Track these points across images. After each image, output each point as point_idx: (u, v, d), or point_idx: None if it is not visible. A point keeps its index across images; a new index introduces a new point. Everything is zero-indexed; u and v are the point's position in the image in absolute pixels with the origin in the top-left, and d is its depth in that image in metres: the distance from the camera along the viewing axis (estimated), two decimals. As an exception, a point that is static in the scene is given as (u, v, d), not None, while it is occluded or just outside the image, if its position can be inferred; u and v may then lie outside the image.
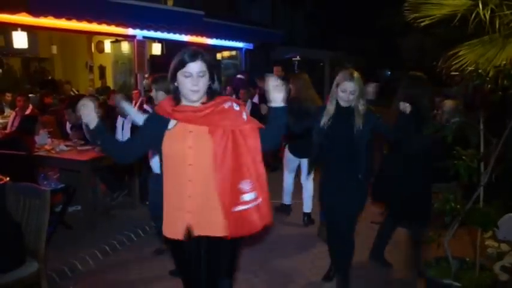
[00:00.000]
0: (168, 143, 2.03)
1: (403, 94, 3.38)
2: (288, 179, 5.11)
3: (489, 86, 2.52)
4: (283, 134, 2.12)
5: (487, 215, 2.54)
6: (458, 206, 2.59)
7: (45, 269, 2.91)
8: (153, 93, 3.65)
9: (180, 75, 1.97)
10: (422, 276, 2.90)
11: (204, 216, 2.04)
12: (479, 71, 2.52)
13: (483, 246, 3.48)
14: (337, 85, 3.00)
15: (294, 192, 5.20)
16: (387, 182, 3.57)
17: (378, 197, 3.80)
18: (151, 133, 2.08)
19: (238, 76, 9.57)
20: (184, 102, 2.04)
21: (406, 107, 3.09)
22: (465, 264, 2.81)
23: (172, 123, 2.05)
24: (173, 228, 2.09)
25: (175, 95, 2.05)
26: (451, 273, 2.69)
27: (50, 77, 11.61)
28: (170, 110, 2.03)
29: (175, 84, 2.01)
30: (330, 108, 3.07)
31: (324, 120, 3.06)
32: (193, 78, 1.95)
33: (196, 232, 2.06)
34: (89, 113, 2.02)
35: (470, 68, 2.95)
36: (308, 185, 4.87)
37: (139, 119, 3.90)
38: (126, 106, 3.76)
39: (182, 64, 1.95)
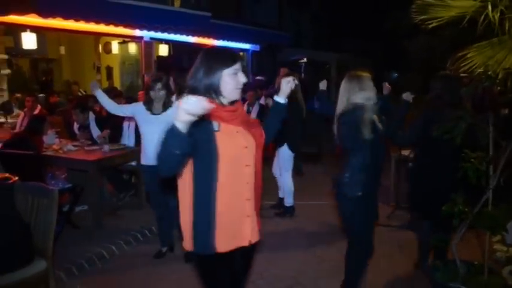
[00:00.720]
0: (224, 144, 1.87)
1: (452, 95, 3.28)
2: (289, 179, 5.11)
3: (498, 88, 2.50)
4: (278, 130, 2.17)
5: (495, 218, 2.52)
6: (466, 209, 2.57)
7: (53, 267, 2.93)
8: (153, 94, 3.68)
9: (225, 74, 1.89)
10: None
11: (254, 221, 2.02)
12: (489, 73, 2.50)
13: (491, 250, 3.45)
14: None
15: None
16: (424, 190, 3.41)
17: (417, 206, 3.63)
18: (201, 137, 1.84)
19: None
20: (217, 102, 1.91)
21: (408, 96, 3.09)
22: (473, 268, 2.79)
23: (215, 124, 1.90)
24: (233, 238, 1.95)
25: (208, 95, 1.88)
26: (458, 277, 2.67)
27: (44, 78, 11.76)
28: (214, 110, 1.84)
29: (217, 83, 1.88)
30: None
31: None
32: (239, 77, 1.92)
33: (252, 239, 2.01)
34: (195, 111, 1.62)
35: (479, 70, 2.94)
36: (289, 180, 5.06)
37: (110, 107, 4.04)
38: (98, 93, 3.97)
39: (231, 63, 1.90)
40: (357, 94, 2.87)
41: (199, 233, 1.92)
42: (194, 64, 1.96)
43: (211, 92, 1.90)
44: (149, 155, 3.62)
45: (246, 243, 1.98)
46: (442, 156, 3.18)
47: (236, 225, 1.96)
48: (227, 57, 1.92)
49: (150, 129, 3.66)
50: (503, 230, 2.65)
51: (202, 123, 1.81)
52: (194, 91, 1.88)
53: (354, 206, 2.92)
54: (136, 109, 3.86)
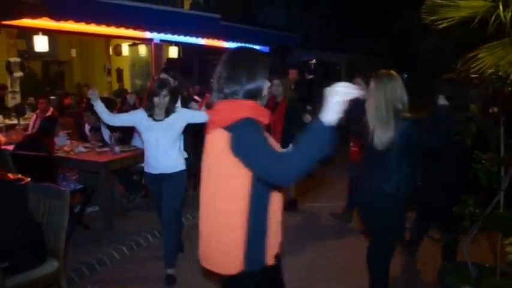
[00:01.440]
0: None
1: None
2: None
3: (510, 88, 2.48)
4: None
5: (508, 220, 2.50)
6: (477, 211, 2.55)
7: (65, 267, 2.96)
8: (157, 100, 3.46)
9: (267, 80, 1.84)
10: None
11: None
12: (500, 73, 2.48)
13: (503, 252, 3.41)
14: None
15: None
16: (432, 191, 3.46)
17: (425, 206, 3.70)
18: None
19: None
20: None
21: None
22: (484, 270, 2.77)
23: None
24: (275, 246, 1.88)
25: (255, 99, 1.81)
26: (470, 279, 2.65)
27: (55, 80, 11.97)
28: None
29: (262, 87, 1.81)
30: None
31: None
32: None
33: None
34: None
35: (490, 71, 2.91)
36: None
37: (107, 119, 3.73)
38: (97, 103, 3.67)
39: (267, 66, 1.85)
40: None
41: (253, 248, 1.77)
42: (225, 68, 1.82)
43: (256, 96, 1.80)
44: (152, 164, 3.57)
45: (279, 250, 1.90)
46: (451, 157, 3.16)
47: (278, 232, 1.89)
48: (264, 60, 1.85)
49: (152, 136, 3.52)
50: (515, 232, 2.62)
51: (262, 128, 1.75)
52: (232, 95, 1.78)
53: (400, 205, 2.84)
54: (136, 117, 3.61)
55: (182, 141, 3.79)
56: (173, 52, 9.97)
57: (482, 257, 3.04)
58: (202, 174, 1.88)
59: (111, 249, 4.06)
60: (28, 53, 9.53)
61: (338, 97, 1.50)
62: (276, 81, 4.82)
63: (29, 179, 2.97)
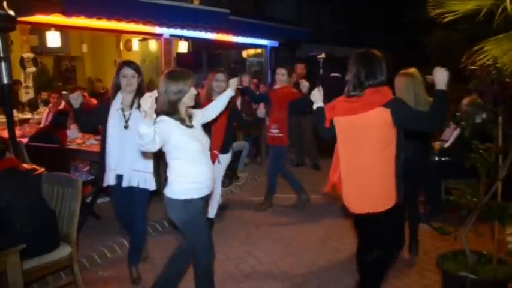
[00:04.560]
0: None
1: None
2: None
3: (507, 79, 2.54)
4: None
5: (503, 209, 2.56)
6: (474, 200, 2.62)
7: (77, 253, 3.10)
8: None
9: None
10: None
11: None
12: (497, 65, 2.53)
13: (504, 242, 3.47)
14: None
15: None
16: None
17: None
18: None
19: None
20: None
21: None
22: (483, 258, 2.83)
23: None
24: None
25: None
26: (467, 266, 2.72)
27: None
28: None
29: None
30: None
31: None
32: None
33: None
34: None
35: (497, 64, 2.96)
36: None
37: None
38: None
39: None
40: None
41: (398, 185, 2.61)
42: (363, 66, 2.61)
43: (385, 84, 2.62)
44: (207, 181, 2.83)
45: None
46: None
47: None
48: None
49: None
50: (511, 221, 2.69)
51: None
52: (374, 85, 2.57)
53: None
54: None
55: None
56: (183, 47, 10.06)
57: (485, 248, 3.08)
58: (348, 145, 2.68)
59: (122, 237, 4.18)
60: (40, 48, 9.72)
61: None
62: (280, 70, 5.00)
63: (43, 169, 3.11)
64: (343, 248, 4.13)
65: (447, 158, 4.69)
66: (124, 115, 3.28)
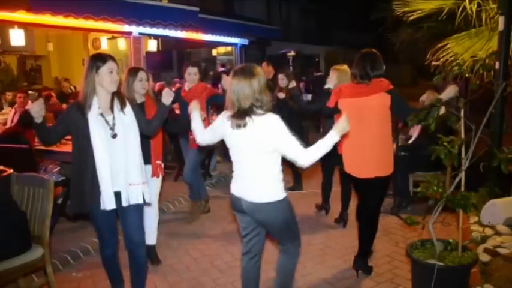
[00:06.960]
0: None
1: None
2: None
3: (467, 75, 2.67)
4: None
5: (467, 197, 2.69)
6: (440, 190, 2.74)
7: (50, 255, 3.05)
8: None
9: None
10: None
11: None
12: (458, 60, 2.66)
13: (468, 230, 3.63)
14: None
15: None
16: None
17: None
18: None
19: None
20: None
21: None
22: (449, 246, 2.96)
23: None
24: None
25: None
26: (435, 254, 2.84)
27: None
28: None
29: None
30: None
31: None
32: None
33: None
34: None
35: (458, 60, 3.10)
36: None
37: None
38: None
39: None
40: None
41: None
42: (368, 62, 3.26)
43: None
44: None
45: None
46: None
47: None
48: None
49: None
50: (474, 209, 2.83)
51: None
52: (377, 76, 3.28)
53: None
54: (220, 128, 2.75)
55: None
56: (152, 45, 9.97)
57: (451, 237, 3.22)
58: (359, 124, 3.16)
59: (95, 238, 4.10)
60: (3, 47, 9.40)
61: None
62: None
63: (12, 170, 3.05)
64: (315, 241, 4.22)
65: (412, 153, 4.88)
66: (107, 121, 2.72)
